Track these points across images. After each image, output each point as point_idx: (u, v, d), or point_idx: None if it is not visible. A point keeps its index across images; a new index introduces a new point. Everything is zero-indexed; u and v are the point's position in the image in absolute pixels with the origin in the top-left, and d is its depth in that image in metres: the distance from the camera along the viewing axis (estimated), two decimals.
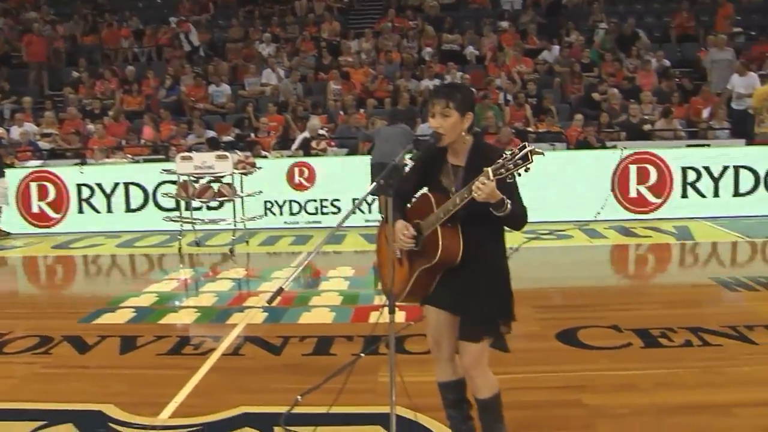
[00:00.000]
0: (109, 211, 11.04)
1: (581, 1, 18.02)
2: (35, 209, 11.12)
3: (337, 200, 10.76)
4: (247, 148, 11.16)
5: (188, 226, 9.75)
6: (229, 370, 4.85)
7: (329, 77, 15.31)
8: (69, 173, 11.13)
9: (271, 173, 10.50)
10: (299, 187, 10.82)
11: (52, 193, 11.04)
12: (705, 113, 13.24)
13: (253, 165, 9.68)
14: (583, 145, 11.87)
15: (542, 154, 2.73)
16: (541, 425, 3.85)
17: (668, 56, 15.56)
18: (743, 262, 8.42)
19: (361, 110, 14.09)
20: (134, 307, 6.57)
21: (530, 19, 17.05)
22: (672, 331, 5.33)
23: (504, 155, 2.79)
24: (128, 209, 11.02)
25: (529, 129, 13.18)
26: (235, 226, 9.53)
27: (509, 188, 2.91)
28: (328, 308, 6.34)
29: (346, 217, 2.98)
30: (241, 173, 9.47)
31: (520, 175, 2.79)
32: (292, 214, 10.87)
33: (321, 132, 11.99)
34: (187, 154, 9.52)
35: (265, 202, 10.70)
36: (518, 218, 3.01)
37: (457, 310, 3.17)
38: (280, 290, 2.73)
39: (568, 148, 12.00)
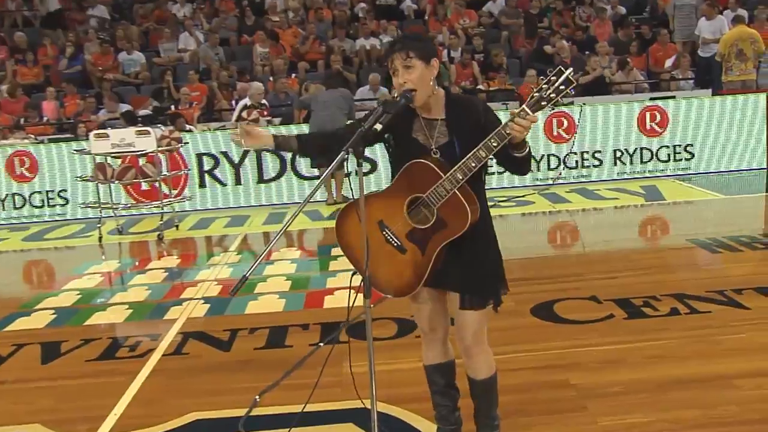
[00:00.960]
0: None
1: None
2: None
3: None
4: (169, 122, 10.84)
5: (108, 212, 9.43)
6: (173, 372, 4.69)
7: (254, 39, 15.00)
8: None
9: None
10: None
11: None
12: (668, 63, 13.43)
13: (179, 140, 9.41)
14: None
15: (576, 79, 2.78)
16: (529, 410, 3.81)
17: (624, 2, 15.74)
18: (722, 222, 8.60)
19: (293, 75, 13.86)
20: (53, 308, 6.31)
21: None
22: (655, 299, 5.38)
23: (539, 86, 2.79)
24: None
25: (480, 87, 13.17)
26: (162, 209, 9.26)
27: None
28: (277, 295, 6.22)
29: (312, 194, 2.85)
30: (167, 150, 9.18)
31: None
32: None
33: (263, 101, 11.66)
34: (102, 131, 9.15)
35: None
36: (530, 158, 3.01)
37: (457, 284, 3.10)
38: (245, 279, 2.60)
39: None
